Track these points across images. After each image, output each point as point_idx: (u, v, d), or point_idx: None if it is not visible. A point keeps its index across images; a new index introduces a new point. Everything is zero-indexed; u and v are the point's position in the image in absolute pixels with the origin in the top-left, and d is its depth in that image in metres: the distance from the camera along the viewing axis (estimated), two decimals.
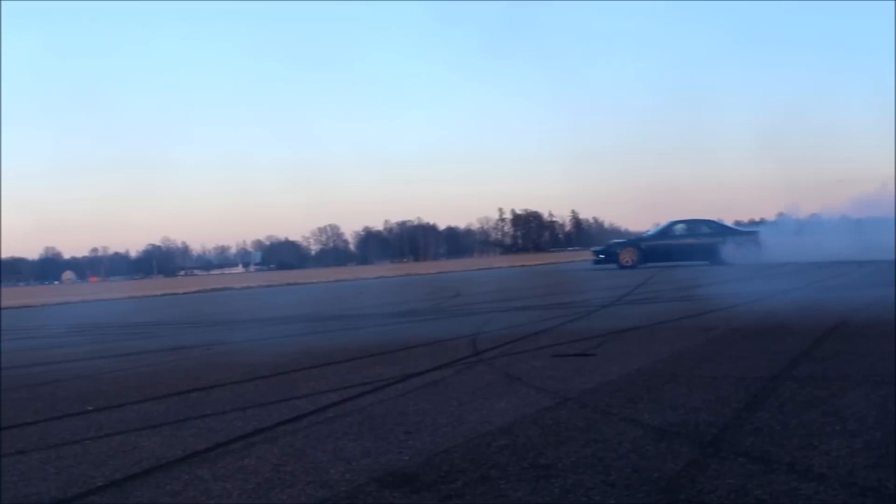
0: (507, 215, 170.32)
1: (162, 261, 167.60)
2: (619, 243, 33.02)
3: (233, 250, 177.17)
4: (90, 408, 5.24)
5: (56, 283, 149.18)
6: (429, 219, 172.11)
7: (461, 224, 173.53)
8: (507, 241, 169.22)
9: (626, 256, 31.34)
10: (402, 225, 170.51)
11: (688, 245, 31.60)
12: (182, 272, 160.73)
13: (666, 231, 32.43)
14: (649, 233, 34.37)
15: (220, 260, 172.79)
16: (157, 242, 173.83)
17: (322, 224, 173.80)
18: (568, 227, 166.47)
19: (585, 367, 5.87)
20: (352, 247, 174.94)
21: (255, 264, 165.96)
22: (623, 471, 3.17)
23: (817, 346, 6.32)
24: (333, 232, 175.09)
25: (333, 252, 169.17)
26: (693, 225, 32.80)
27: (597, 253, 33.40)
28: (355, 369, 6.29)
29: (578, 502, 2.82)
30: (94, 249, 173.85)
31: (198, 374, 6.56)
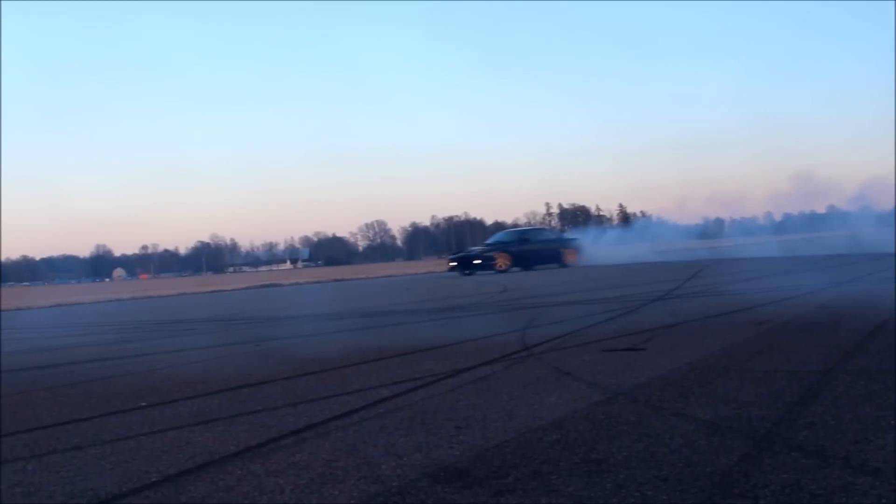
0: (555, 210, 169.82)
1: (211, 257, 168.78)
2: (488, 248, 34.10)
3: (281, 247, 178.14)
4: (143, 403, 5.30)
5: (107, 280, 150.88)
6: (476, 214, 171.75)
7: (508, 219, 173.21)
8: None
9: (502, 261, 32.59)
10: (449, 220, 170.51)
11: (539, 250, 33.88)
12: (231, 269, 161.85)
13: (524, 238, 35.09)
14: (495, 240, 36.08)
15: (268, 256, 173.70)
16: (206, 239, 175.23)
17: (369, 220, 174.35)
18: (615, 222, 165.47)
19: (636, 361, 5.85)
20: (399, 242, 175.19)
21: (303, 260, 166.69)
22: (675, 465, 3.15)
23: (872, 339, 6.25)
24: (380, 228, 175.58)
25: (380, 248, 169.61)
26: (537, 233, 36.87)
27: (464, 259, 33.71)
28: (405, 364, 6.31)
29: (631, 497, 2.81)
30: (144, 247, 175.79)
31: (249, 370, 6.60)
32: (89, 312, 21.65)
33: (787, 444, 3.39)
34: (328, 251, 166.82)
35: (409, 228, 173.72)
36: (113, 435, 4.36)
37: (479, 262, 32.62)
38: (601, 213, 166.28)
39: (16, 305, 29.54)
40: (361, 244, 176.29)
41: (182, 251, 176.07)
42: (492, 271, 31.84)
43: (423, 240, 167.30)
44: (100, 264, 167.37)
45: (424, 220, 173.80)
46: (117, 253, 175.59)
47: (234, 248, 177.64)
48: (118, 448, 4.05)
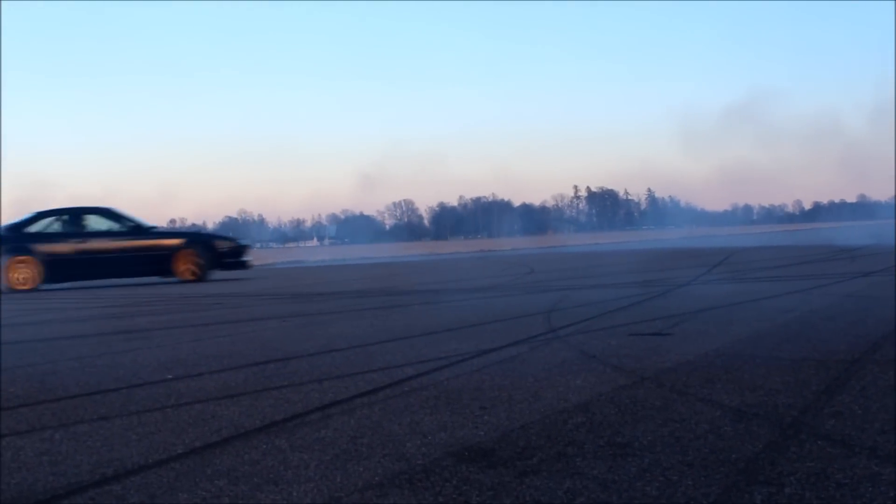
0: (583, 193, 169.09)
1: (238, 233, 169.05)
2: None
3: (308, 224, 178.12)
4: (170, 376, 5.32)
5: None
6: (503, 195, 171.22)
7: (536, 201, 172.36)
8: (582, 218, 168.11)
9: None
10: (477, 201, 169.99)
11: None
12: (258, 245, 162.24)
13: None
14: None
15: (295, 233, 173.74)
16: (234, 214, 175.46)
17: (397, 199, 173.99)
18: (644, 206, 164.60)
19: (662, 345, 5.84)
20: (426, 222, 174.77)
21: (330, 238, 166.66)
22: (700, 451, 3.14)
23: None
24: (408, 207, 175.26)
25: (408, 227, 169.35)
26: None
27: None
28: (431, 344, 6.31)
29: (655, 482, 2.81)
30: (172, 220, 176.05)
31: (275, 346, 6.63)
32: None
33: (814, 432, 3.38)
34: (355, 229, 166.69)
35: (437, 208, 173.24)
36: (139, 406, 4.39)
37: None
38: (630, 197, 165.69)
39: None
40: (389, 223, 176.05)
41: (210, 226, 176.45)
42: None
43: (450, 220, 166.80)
44: None
45: (452, 201, 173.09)
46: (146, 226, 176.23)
47: (261, 223, 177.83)
48: (145, 420, 4.07)
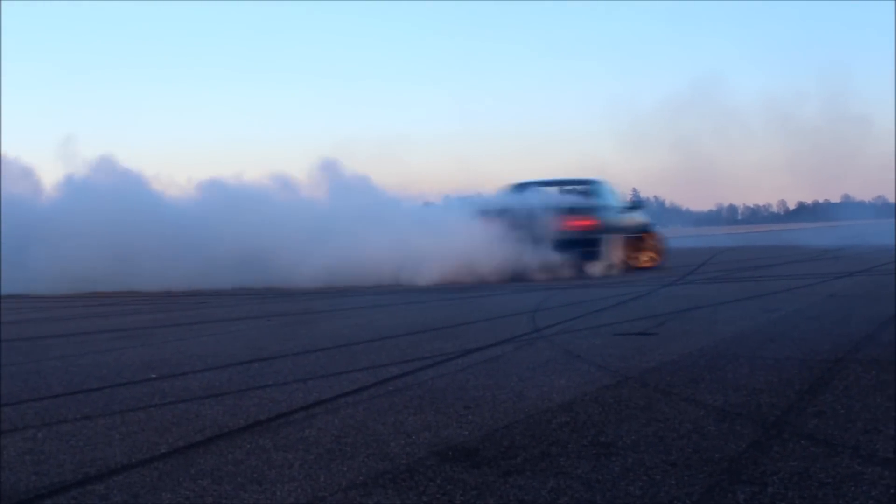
0: None
1: None
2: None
3: None
4: (154, 375, 5.30)
5: None
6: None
7: None
8: None
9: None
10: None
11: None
12: None
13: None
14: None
15: None
16: None
17: None
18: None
19: (646, 345, 5.84)
20: None
21: None
22: (684, 451, 3.15)
23: (883, 330, 6.24)
24: None
25: None
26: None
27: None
28: (415, 343, 6.31)
29: (639, 481, 2.81)
30: None
31: (260, 345, 6.61)
32: None
33: (797, 432, 3.40)
34: None
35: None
36: (123, 406, 4.37)
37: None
38: None
39: None
40: None
41: None
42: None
43: None
44: None
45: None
46: None
47: None
48: (128, 419, 4.06)
